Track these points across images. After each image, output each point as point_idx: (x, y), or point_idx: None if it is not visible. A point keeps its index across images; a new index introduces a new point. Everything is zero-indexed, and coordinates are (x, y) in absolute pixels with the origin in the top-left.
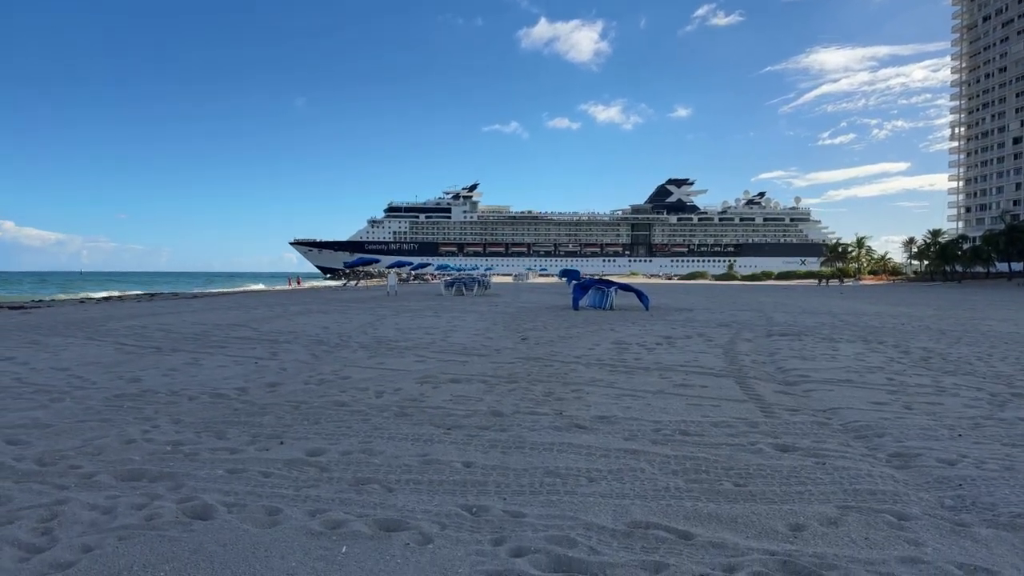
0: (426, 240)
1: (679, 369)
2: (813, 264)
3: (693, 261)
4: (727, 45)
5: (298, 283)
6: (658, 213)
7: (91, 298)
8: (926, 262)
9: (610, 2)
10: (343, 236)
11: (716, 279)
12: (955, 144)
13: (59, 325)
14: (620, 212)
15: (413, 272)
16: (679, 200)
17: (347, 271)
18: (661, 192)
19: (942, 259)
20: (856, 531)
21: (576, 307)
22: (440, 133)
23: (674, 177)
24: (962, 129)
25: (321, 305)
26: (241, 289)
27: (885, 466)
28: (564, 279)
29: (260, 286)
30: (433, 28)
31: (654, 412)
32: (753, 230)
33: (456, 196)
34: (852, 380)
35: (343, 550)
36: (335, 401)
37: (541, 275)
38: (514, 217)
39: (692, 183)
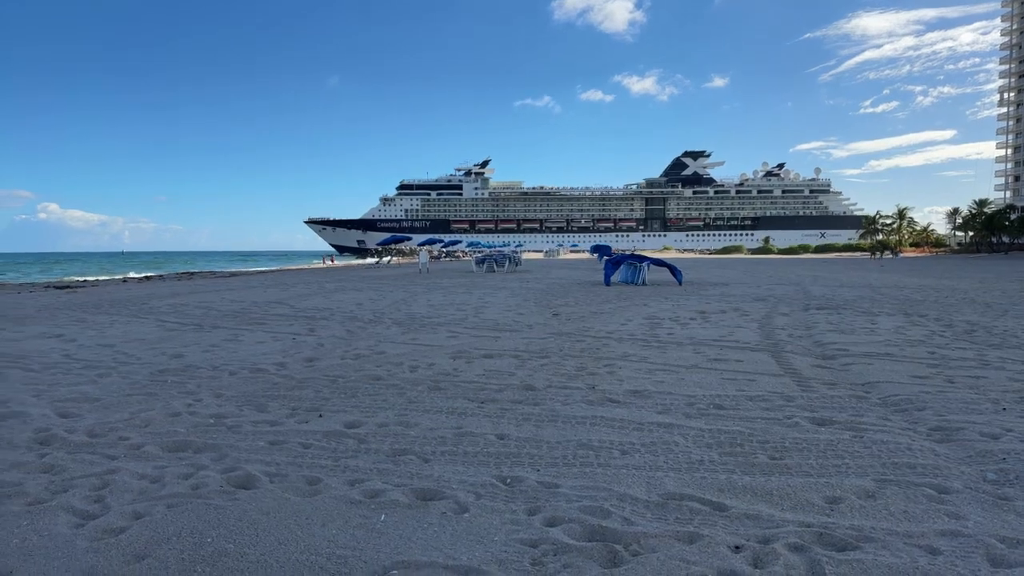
0: (438, 217)
1: (713, 344)
2: (834, 237)
3: (709, 235)
4: (766, 11)
5: (332, 261)
6: (673, 186)
7: (133, 278)
8: (971, 233)
9: None
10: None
11: (752, 253)
12: (1004, 110)
13: (104, 304)
14: (634, 186)
15: (444, 249)
16: (695, 173)
17: (379, 249)
18: (677, 165)
19: (988, 230)
20: (895, 504)
21: (608, 283)
22: (469, 111)
23: (690, 149)
24: (1011, 94)
25: (355, 283)
26: (277, 269)
27: (925, 440)
28: (595, 255)
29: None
30: (461, 2)
31: (688, 386)
32: (771, 203)
33: (468, 173)
34: (892, 354)
35: (382, 518)
36: (371, 375)
37: (572, 251)
38: (526, 193)
39: (709, 155)
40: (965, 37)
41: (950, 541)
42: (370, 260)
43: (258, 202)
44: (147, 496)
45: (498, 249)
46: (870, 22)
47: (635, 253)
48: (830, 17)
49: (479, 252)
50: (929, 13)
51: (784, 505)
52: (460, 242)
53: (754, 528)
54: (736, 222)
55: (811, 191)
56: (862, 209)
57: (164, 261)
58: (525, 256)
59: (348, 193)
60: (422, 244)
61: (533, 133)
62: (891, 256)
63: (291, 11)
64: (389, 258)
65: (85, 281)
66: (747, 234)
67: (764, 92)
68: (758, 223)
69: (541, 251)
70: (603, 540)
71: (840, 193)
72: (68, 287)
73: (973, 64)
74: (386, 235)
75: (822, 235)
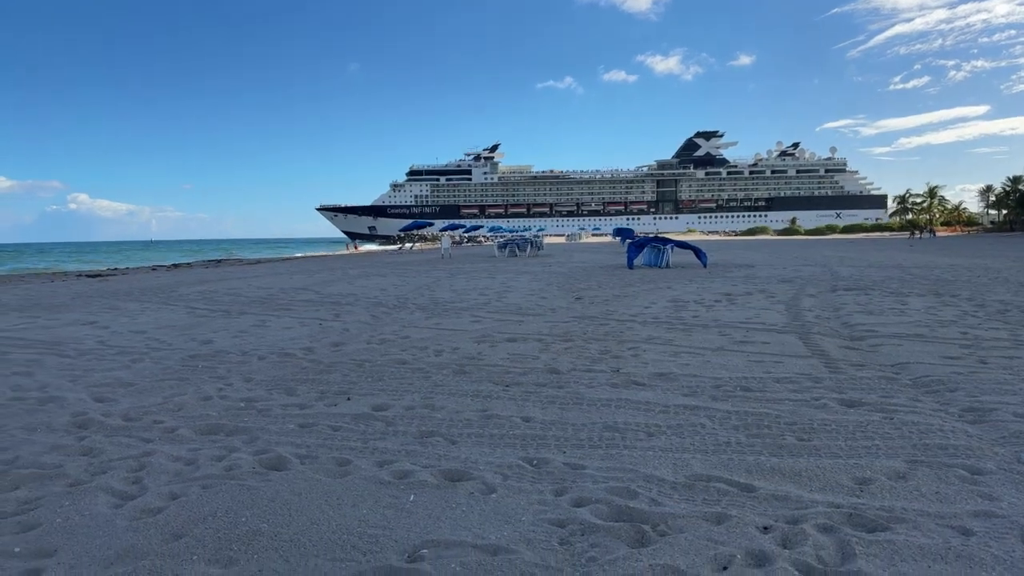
0: (447, 203)
1: (739, 326)
2: (850, 217)
3: (722, 217)
4: None
5: (356, 248)
6: (685, 168)
7: (162, 266)
8: (1004, 211)
9: None
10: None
11: (778, 234)
12: None
13: (134, 291)
14: (645, 168)
15: (466, 235)
16: (707, 154)
17: (402, 235)
18: (689, 146)
19: (1022, 208)
20: (926, 485)
21: (631, 266)
22: (487, 95)
23: (702, 129)
24: None
25: (379, 269)
26: (301, 256)
27: (957, 421)
28: (618, 238)
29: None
30: None
31: (714, 369)
32: (785, 183)
33: (477, 157)
34: (923, 335)
35: (411, 498)
36: (397, 360)
37: (594, 235)
38: (535, 177)
39: (722, 135)
40: (1001, 8)
41: (983, 522)
42: (393, 247)
43: (281, 189)
44: (182, 477)
45: (520, 234)
46: None
47: (659, 236)
48: None
49: (501, 237)
50: None
51: (813, 486)
52: (482, 227)
53: (782, 509)
54: (750, 203)
55: (826, 171)
56: (879, 188)
57: (198, 250)
58: (547, 240)
59: (362, 179)
60: (444, 229)
61: (552, 115)
62: (929, 236)
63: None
64: (412, 244)
65: (115, 269)
66: (761, 215)
67: (791, 70)
68: (772, 204)
69: (563, 235)
70: (630, 520)
71: (856, 172)
72: (100, 275)
73: (1009, 37)
74: (396, 221)
75: (838, 215)
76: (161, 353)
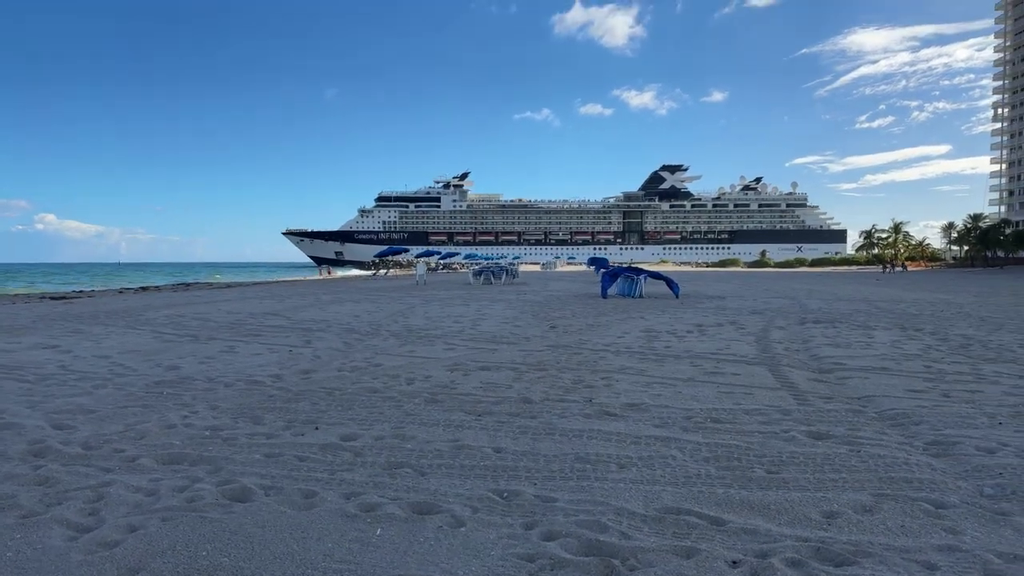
0: (415, 229)
1: (710, 357)
2: (811, 251)
3: (686, 249)
4: (764, 27)
5: (329, 273)
6: (650, 200)
7: (129, 289)
8: (966, 247)
9: None
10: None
11: (748, 267)
12: (998, 126)
13: (100, 314)
14: (612, 199)
15: (442, 261)
16: (672, 187)
17: (377, 261)
18: (655, 179)
19: (983, 244)
20: (892, 519)
21: (605, 295)
22: (469, 122)
23: (668, 163)
24: (1005, 110)
25: (352, 294)
26: (273, 280)
27: (922, 454)
28: (592, 267)
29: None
30: (465, 15)
31: (685, 400)
32: (748, 216)
33: (446, 185)
34: (888, 368)
35: (377, 532)
36: (368, 388)
37: (569, 263)
38: (504, 206)
39: (686, 169)
40: (960, 53)
41: (947, 556)
42: (367, 272)
43: (255, 213)
44: (142, 509)
45: (495, 261)
46: (866, 38)
47: (632, 266)
48: (826, 33)
49: (476, 264)
50: (925, 29)
51: (781, 520)
52: (458, 254)
53: (751, 543)
54: (713, 235)
55: (788, 205)
56: (839, 223)
57: (181, 272)
58: (522, 268)
59: (330, 203)
60: (419, 256)
61: (527, 145)
62: (901, 270)
63: (295, 23)
64: (386, 270)
65: (81, 292)
66: (724, 247)
67: (761, 107)
68: (735, 236)
69: (538, 263)
70: (600, 555)
71: (817, 207)
72: (64, 297)
73: (968, 80)
74: (364, 247)
75: (799, 248)
76: (125, 379)
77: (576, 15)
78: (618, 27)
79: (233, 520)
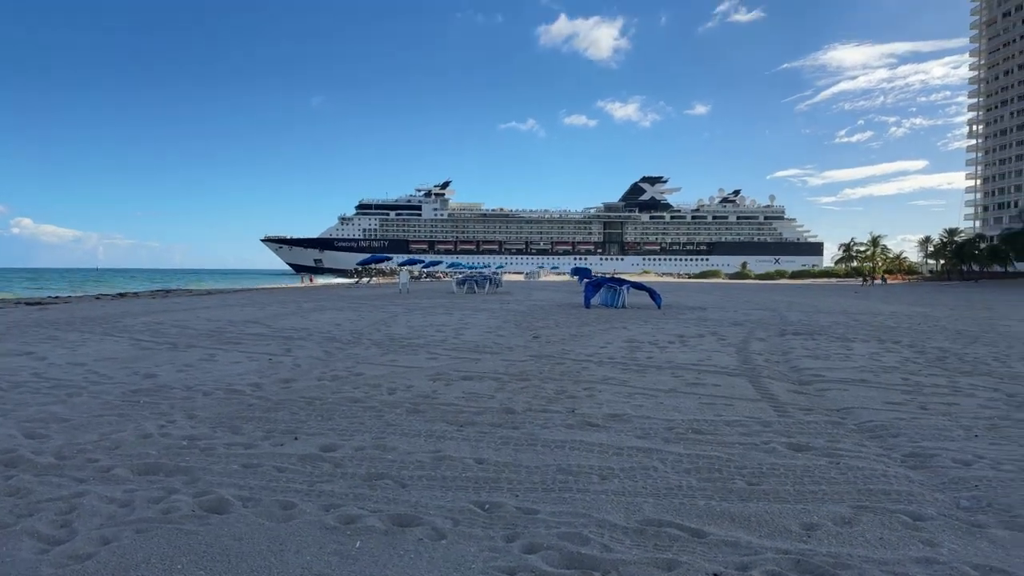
0: (396, 238)
1: (692, 368)
2: (788, 263)
3: (666, 260)
4: (746, 42)
5: (311, 281)
6: (630, 211)
7: (107, 295)
8: (942, 261)
9: None
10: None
11: (729, 278)
12: (973, 142)
13: (76, 321)
14: (593, 210)
15: (425, 270)
16: (652, 198)
17: (359, 269)
18: (634, 190)
19: (959, 258)
20: (871, 531)
21: (588, 305)
22: (454, 131)
23: (648, 175)
24: (980, 127)
25: (334, 302)
26: (255, 288)
27: (900, 466)
28: (575, 277)
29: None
30: (452, 25)
31: (666, 411)
32: (726, 228)
33: (428, 194)
34: (867, 380)
35: (357, 545)
36: (348, 397)
37: (553, 273)
38: (485, 215)
39: (666, 181)
40: (936, 71)
41: (925, 569)
42: (349, 280)
43: (237, 219)
44: (116, 521)
45: (479, 270)
46: (845, 55)
47: (615, 276)
48: (807, 49)
49: (460, 273)
50: (902, 47)
51: (762, 531)
52: (441, 263)
53: (732, 555)
54: (692, 247)
55: (765, 217)
56: (815, 236)
57: (168, 279)
58: (506, 278)
59: (310, 210)
60: (403, 264)
61: (510, 155)
62: (881, 283)
63: (282, 29)
64: (368, 278)
65: (57, 297)
66: (703, 259)
67: (744, 120)
68: (714, 248)
69: (522, 272)
70: (581, 568)
71: (794, 220)
72: (40, 303)
73: (944, 97)
74: (344, 255)
75: (776, 261)
76: (100, 387)
77: (561, 27)
78: (603, 39)
79: (209, 532)
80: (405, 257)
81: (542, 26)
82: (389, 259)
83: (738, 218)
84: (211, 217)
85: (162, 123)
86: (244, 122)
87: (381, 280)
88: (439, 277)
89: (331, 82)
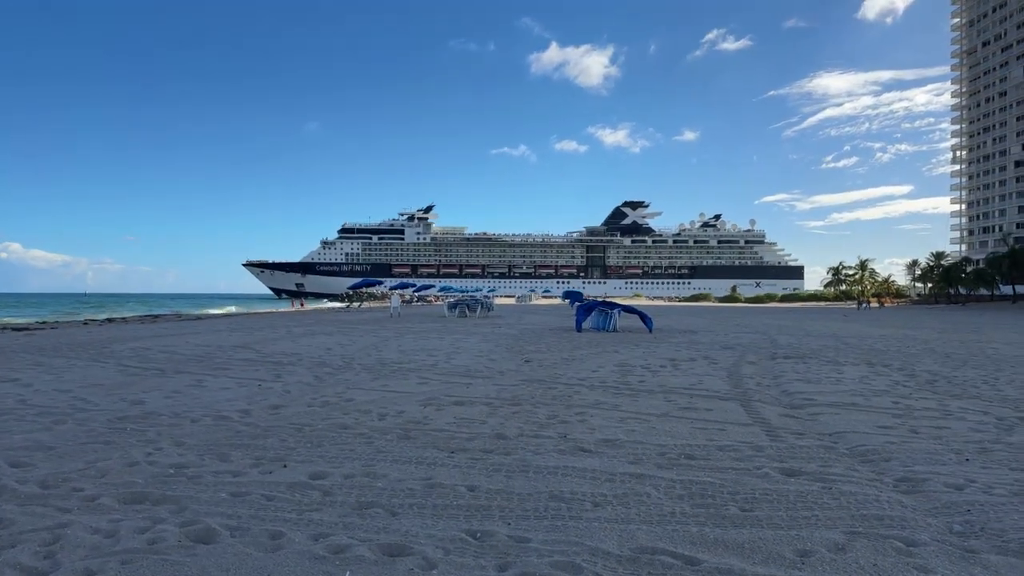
0: (379, 261)
1: (684, 392)
2: (769, 287)
3: (648, 283)
4: (734, 70)
5: (302, 305)
6: (613, 235)
7: (94, 320)
8: (929, 285)
9: (621, 27)
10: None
11: (719, 301)
12: (957, 167)
13: (63, 347)
14: (575, 234)
15: (417, 294)
16: (634, 222)
17: (350, 293)
18: (617, 214)
19: (945, 282)
20: (864, 557)
21: (579, 329)
22: (447, 157)
23: (630, 199)
24: (963, 152)
25: (324, 327)
26: (244, 312)
27: (892, 491)
28: (567, 300)
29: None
30: (445, 53)
31: (659, 435)
32: (707, 252)
33: (411, 218)
34: (858, 404)
35: (346, 575)
36: (338, 424)
37: (544, 296)
38: (468, 239)
39: (647, 205)
40: (920, 98)
41: None
42: (340, 304)
43: (227, 245)
44: (100, 552)
45: (470, 294)
46: (831, 82)
47: (606, 300)
48: (793, 77)
49: (451, 297)
50: (886, 75)
51: (755, 558)
52: (433, 287)
53: None
54: (674, 271)
55: (746, 242)
56: (796, 260)
57: (167, 303)
58: (497, 301)
59: (292, 234)
60: (394, 288)
61: (499, 179)
62: (877, 307)
63: (270, 54)
64: (359, 302)
65: (44, 323)
66: (684, 283)
67: (732, 146)
68: (695, 272)
69: (514, 296)
70: None
71: (775, 244)
72: (26, 329)
73: (928, 123)
74: (326, 279)
75: (757, 284)
76: (86, 414)
77: (552, 55)
78: (593, 67)
79: (196, 563)
80: (397, 281)
81: (534, 54)
82: (381, 283)
83: (719, 242)
84: (204, 243)
85: (151, 147)
86: (236, 148)
87: (372, 304)
88: (430, 301)
89: (325, 108)
